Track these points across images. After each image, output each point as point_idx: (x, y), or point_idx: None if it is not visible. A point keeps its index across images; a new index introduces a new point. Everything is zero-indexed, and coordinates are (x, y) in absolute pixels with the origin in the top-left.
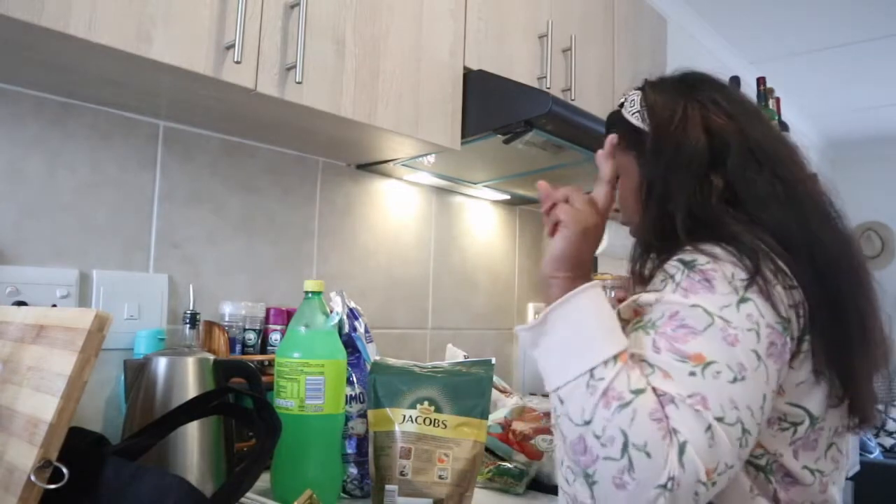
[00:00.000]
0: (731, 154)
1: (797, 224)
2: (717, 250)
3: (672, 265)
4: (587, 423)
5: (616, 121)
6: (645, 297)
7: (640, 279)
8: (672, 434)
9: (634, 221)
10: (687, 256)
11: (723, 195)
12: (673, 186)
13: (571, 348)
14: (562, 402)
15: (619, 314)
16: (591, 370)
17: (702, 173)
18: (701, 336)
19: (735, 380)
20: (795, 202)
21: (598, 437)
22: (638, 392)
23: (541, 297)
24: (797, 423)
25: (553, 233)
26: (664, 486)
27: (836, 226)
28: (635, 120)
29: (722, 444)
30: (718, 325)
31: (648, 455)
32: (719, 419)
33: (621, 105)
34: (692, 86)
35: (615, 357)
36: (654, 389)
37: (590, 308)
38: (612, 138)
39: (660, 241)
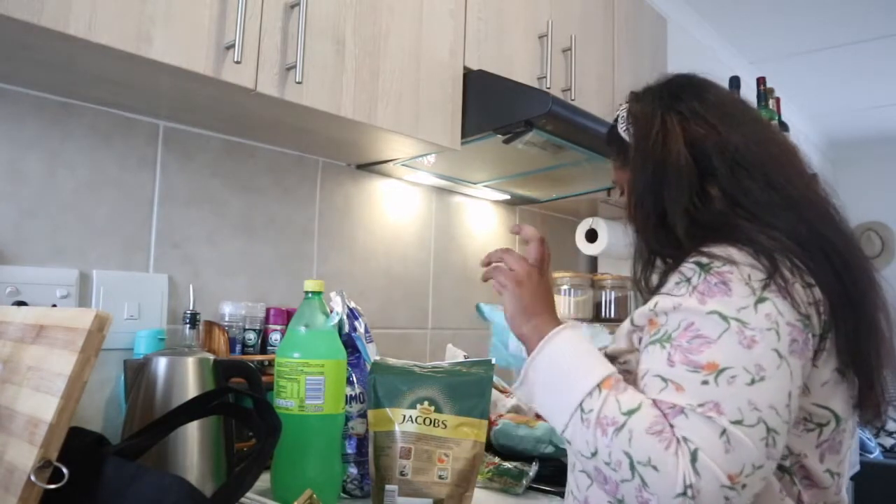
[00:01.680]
0: (716, 165)
1: (804, 225)
2: (733, 252)
3: (688, 267)
4: (594, 454)
5: (613, 137)
6: (662, 304)
7: (647, 288)
8: (682, 442)
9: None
10: (703, 259)
11: (723, 202)
12: (665, 200)
13: (557, 391)
14: (570, 442)
15: (632, 321)
16: (580, 405)
17: (695, 184)
18: (715, 344)
19: (753, 381)
20: (794, 205)
21: (608, 464)
22: (630, 412)
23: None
24: (823, 423)
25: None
26: (683, 495)
27: (840, 226)
28: (625, 135)
29: (743, 446)
30: (734, 328)
31: (656, 469)
32: (737, 422)
33: (616, 120)
34: (674, 95)
35: (598, 386)
36: (662, 403)
37: (562, 349)
38: None
39: (662, 251)
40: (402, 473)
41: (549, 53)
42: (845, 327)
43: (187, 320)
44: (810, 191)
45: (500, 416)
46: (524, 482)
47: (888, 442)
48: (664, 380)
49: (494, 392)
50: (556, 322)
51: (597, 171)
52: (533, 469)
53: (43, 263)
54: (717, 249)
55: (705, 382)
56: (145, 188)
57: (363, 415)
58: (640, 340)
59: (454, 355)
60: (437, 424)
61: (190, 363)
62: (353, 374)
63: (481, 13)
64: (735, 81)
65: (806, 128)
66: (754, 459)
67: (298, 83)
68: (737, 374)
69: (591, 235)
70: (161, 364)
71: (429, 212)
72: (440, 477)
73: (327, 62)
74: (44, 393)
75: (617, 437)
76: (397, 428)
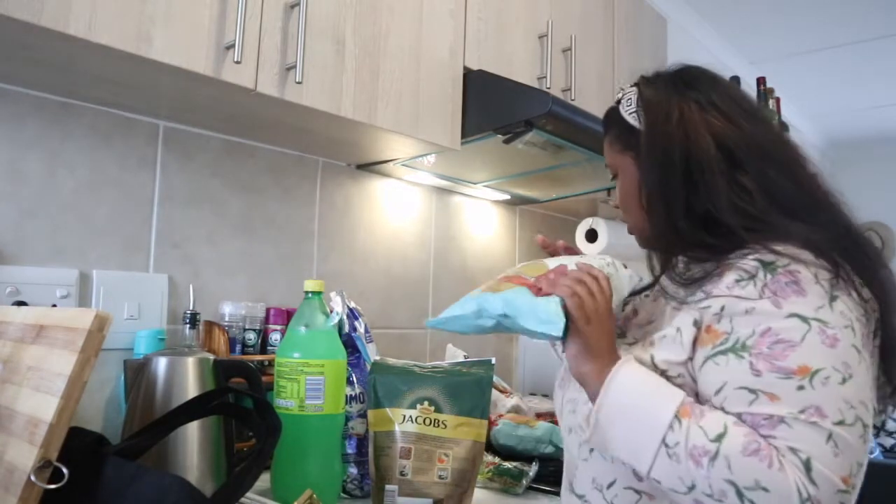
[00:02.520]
0: (742, 158)
1: (842, 227)
2: (794, 250)
3: (749, 265)
4: (692, 488)
5: (614, 120)
6: (730, 307)
7: (681, 282)
8: (789, 454)
9: (638, 223)
10: (766, 256)
11: (761, 197)
12: (700, 191)
13: (634, 432)
14: (659, 482)
15: (679, 329)
16: (663, 441)
17: (729, 176)
18: (800, 347)
19: (844, 380)
20: (826, 206)
21: (710, 496)
22: (719, 437)
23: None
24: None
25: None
26: None
27: (856, 224)
28: (632, 120)
29: (849, 447)
30: (815, 329)
31: (766, 490)
32: (839, 423)
33: (618, 102)
34: (688, 83)
35: (676, 416)
36: (754, 416)
37: (628, 387)
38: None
39: (686, 244)
40: (402, 473)
41: (549, 53)
42: (886, 326)
43: (187, 320)
44: (829, 193)
45: (500, 416)
46: (524, 482)
47: (888, 442)
48: (752, 391)
49: (494, 392)
50: (616, 360)
51: (597, 171)
52: (533, 469)
53: (43, 263)
54: (778, 246)
55: (801, 387)
56: (145, 188)
57: (363, 415)
58: (691, 347)
59: (454, 355)
60: (437, 424)
61: (190, 363)
62: (353, 374)
63: (481, 13)
64: (735, 81)
65: (806, 128)
66: (859, 458)
67: (298, 83)
68: (829, 375)
69: (591, 235)
70: (161, 364)
71: (429, 212)
72: (440, 477)
73: (327, 62)
74: (44, 393)
75: (713, 466)
76: (397, 428)
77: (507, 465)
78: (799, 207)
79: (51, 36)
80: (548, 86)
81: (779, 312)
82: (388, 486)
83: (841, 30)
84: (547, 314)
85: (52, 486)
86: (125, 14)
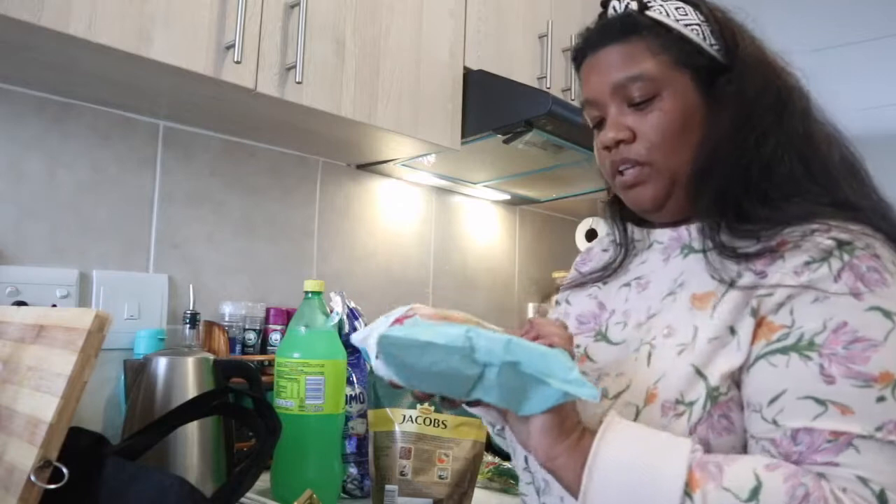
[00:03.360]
0: (818, 119)
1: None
2: (868, 230)
3: (824, 243)
4: None
5: (647, 25)
6: (797, 293)
7: (734, 254)
8: (858, 485)
9: (671, 165)
10: (842, 235)
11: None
12: (784, 142)
13: None
14: None
15: (731, 328)
16: None
17: (806, 135)
18: (883, 348)
19: None
20: (869, 185)
21: None
22: (754, 494)
23: (538, 301)
24: None
25: None
26: None
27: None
28: (692, 34)
29: None
30: None
31: None
32: None
33: (644, 7)
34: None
35: (686, 493)
36: (814, 434)
37: (619, 462)
38: None
39: (742, 205)
40: (402, 473)
41: (549, 53)
42: None
43: (187, 320)
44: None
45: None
46: None
47: None
48: (820, 402)
49: None
50: (592, 433)
51: (597, 171)
52: None
53: (43, 263)
54: (854, 226)
55: (882, 398)
56: (145, 188)
57: (363, 415)
58: (747, 342)
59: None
60: (437, 424)
61: (190, 363)
62: (353, 374)
63: (481, 13)
64: None
65: None
66: None
67: (298, 83)
68: None
69: (591, 235)
70: (161, 364)
71: (429, 212)
72: (440, 477)
73: (327, 62)
74: (44, 393)
75: None
76: (397, 428)
77: (507, 465)
78: (855, 184)
79: (51, 36)
80: (548, 86)
81: (858, 304)
82: (388, 486)
83: (841, 30)
84: (572, 370)
85: (52, 486)
86: (125, 14)
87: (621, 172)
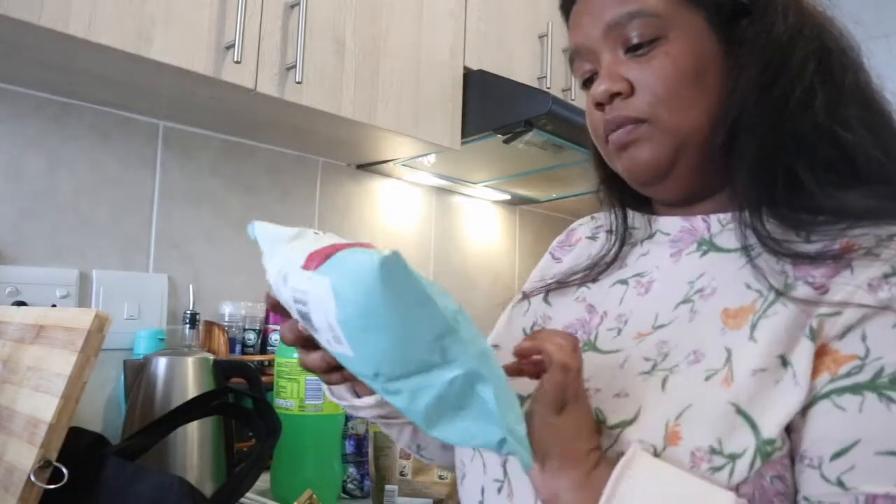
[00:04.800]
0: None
1: None
2: None
3: None
4: None
5: None
6: (872, 316)
7: (787, 251)
8: None
9: (682, 125)
10: None
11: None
12: (840, 100)
13: None
14: None
15: (784, 358)
16: None
17: (864, 93)
18: None
19: None
20: None
21: None
22: None
23: None
24: None
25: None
26: None
27: None
28: None
29: None
30: None
31: None
32: None
33: None
34: None
35: None
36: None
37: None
38: None
39: (778, 192)
40: (402, 473)
41: (549, 53)
42: None
43: (187, 320)
44: None
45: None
46: None
47: None
48: None
49: None
50: (595, 459)
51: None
52: None
53: (43, 263)
54: None
55: None
56: (145, 188)
57: None
58: (806, 376)
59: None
60: None
61: (190, 363)
62: None
63: (481, 13)
64: None
65: None
66: None
67: (298, 83)
68: None
69: None
70: (161, 364)
71: (429, 212)
72: (440, 477)
73: (327, 62)
74: (43, 393)
75: None
76: None
77: None
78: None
79: (51, 36)
80: (548, 86)
81: None
82: (388, 486)
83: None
84: (521, 424)
85: (52, 486)
86: (125, 14)
87: (614, 133)
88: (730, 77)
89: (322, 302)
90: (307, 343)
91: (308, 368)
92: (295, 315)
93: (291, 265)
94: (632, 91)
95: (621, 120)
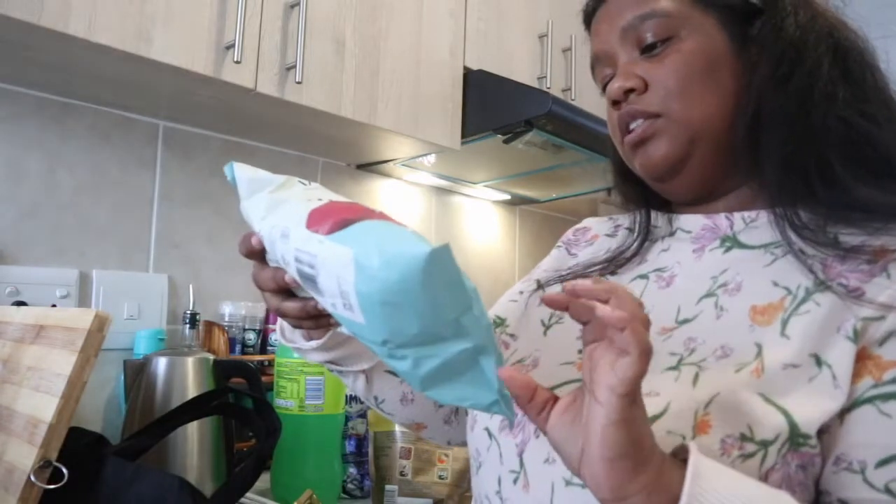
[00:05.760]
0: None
1: None
2: None
3: None
4: None
5: None
6: None
7: (830, 243)
8: None
9: (693, 121)
10: None
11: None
12: (862, 96)
13: None
14: None
15: (818, 357)
16: None
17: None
18: None
19: None
20: None
21: None
22: None
23: None
24: None
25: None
26: None
27: None
28: None
29: None
30: None
31: None
32: None
33: None
34: None
35: None
36: None
37: None
38: None
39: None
40: (402, 473)
41: (549, 53)
42: None
43: (187, 320)
44: None
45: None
46: None
47: None
48: None
49: None
50: (680, 468)
51: (597, 171)
52: None
53: (43, 263)
54: None
55: None
56: (145, 188)
57: (363, 415)
58: (846, 378)
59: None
60: None
61: (190, 363)
62: None
63: (481, 13)
64: None
65: None
66: None
67: (298, 83)
68: None
69: None
70: (161, 364)
71: (429, 212)
72: (440, 477)
73: (327, 62)
74: (43, 393)
75: None
76: (397, 428)
77: None
78: None
79: (51, 36)
80: (548, 86)
81: None
82: (388, 486)
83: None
84: (504, 387)
85: (52, 486)
86: (125, 14)
87: (630, 130)
88: (744, 74)
89: (336, 269)
90: (283, 291)
91: (281, 314)
92: (292, 272)
93: (292, 221)
94: (645, 87)
95: (634, 113)
